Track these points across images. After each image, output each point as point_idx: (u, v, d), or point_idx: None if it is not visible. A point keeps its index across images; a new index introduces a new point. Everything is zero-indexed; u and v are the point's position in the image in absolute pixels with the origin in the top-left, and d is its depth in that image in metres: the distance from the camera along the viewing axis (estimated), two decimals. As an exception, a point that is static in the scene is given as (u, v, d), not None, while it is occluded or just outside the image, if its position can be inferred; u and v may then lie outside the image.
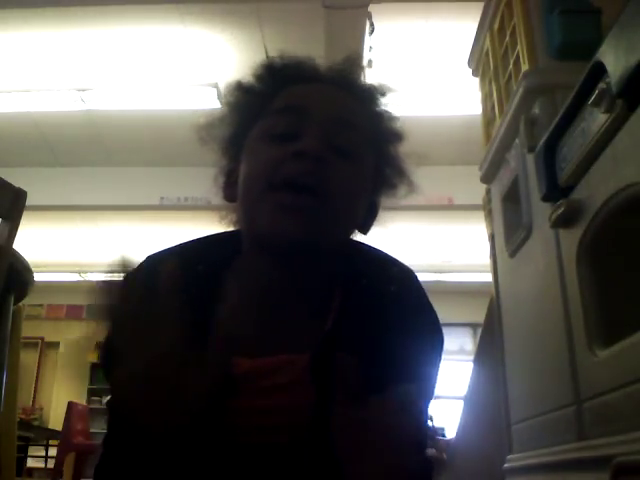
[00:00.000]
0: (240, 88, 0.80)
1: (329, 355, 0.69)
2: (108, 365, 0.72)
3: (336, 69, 0.80)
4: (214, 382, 0.68)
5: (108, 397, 0.73)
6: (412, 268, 0.80)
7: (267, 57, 0.81)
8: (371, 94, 0.80)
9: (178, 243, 0.79)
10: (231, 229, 0.79)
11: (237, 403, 0.69)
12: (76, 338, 8.96)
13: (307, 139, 0.68)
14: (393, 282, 0.74)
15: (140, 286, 0.62)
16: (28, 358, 8.43)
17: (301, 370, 0.69)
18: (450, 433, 5.21)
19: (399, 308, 0.72)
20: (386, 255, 0.80)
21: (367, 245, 0.81)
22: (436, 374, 0.73)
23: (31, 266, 1.54)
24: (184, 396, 0.57)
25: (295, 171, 0.66)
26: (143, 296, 0.60)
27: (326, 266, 0.73)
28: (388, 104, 0.81)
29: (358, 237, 0.80)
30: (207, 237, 0.79)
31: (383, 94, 0.81)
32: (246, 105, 0.78)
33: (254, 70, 0.81)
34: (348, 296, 0.73)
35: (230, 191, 0.77)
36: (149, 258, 0.76)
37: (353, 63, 0.82)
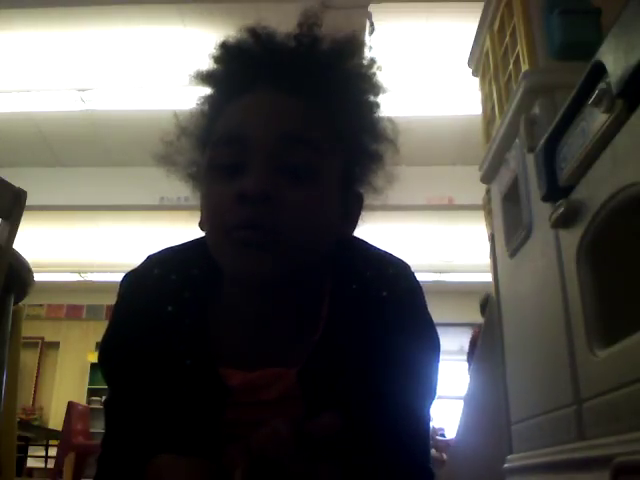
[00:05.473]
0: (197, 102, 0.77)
1: (318, 368, 0.68)
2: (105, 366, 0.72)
3: (289, 52, 0.71)
4: (208, 391, 0.68)
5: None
6: (410, 266, 0.75)
7: (211, 55, 0.77)
8: (338, 74, 0.70)
9: (175, 245, 0.77)
10: None
11: (228, 415, 0.69)
12: (76, 338, 8.97)
13: (249, 176, 0.62)
14: (385, 286, 0.70)
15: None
16: (28, 358, 8.43)
17: (290, 384, 0.68)
18: (450, 433, 5.22)
19: (390, 314, 0.69)
20: (382, 255, 0.75)
21: (364, 243, 0.77)
22: (434, 375, 0.71)
23: (31, 266, 1.54)
24: None
25: (239, 219, 0.62)
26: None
27: (308, 282, 0.70)
28: (368, 68, 0.72)
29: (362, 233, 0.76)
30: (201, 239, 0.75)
31: (351, 52, 0.70)
32: (195, 126, 0.76)
33: (195, 77, 0.77)
34: (337, 303, 0.70)
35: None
36: (149, 258, 0.76)
37: (310, 28, 0.72)
